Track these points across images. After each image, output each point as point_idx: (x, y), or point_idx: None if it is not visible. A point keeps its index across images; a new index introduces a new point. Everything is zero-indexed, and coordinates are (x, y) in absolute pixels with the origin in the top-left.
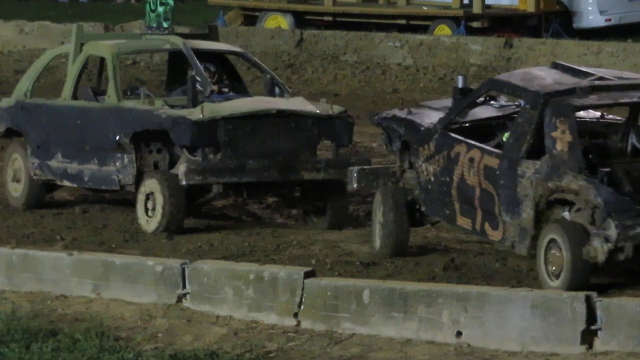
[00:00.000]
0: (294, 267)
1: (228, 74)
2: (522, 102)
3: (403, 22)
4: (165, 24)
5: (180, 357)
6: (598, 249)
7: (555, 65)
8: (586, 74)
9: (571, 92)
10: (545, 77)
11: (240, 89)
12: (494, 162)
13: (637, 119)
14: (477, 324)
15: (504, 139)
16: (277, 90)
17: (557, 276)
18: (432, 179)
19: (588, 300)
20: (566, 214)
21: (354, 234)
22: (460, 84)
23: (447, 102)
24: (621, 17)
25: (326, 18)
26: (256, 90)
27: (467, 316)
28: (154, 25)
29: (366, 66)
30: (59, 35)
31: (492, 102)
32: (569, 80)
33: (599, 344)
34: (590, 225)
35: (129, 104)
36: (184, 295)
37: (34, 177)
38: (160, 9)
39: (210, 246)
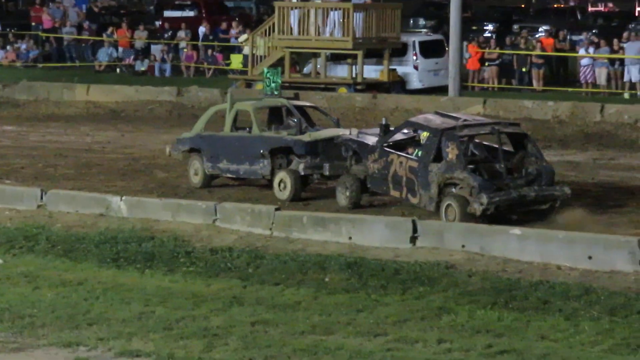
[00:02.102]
0: (270, 205)
1: (307, 117)
2: (428, 134)
3: (322, 85)
4: (276, 92)
5: (214, 249)
6: (477, 208)
7: (437, 112)
8: (456, 118)
9: (454, 128)
10: (435, 119)
11: (314, 125)
12: (415, 164)
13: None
14: (359, 233)
15: (418, 152)
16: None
17: (451, 221)
18: (376, 171)
19: (414, 222)
20: (454, 190)
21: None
22: (383, 122)
23: (375, 130)
24: (430, 83)
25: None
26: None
27: (354, 230)
28: (269, 92)
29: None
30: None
31: (401, 132)
32: (450, 121)
33: (418, 243)
34: (469, 196)
35: (267, 133)
36: (216, 219)
37: (207, 173)
38: (274, 84)
39: (230, 197)
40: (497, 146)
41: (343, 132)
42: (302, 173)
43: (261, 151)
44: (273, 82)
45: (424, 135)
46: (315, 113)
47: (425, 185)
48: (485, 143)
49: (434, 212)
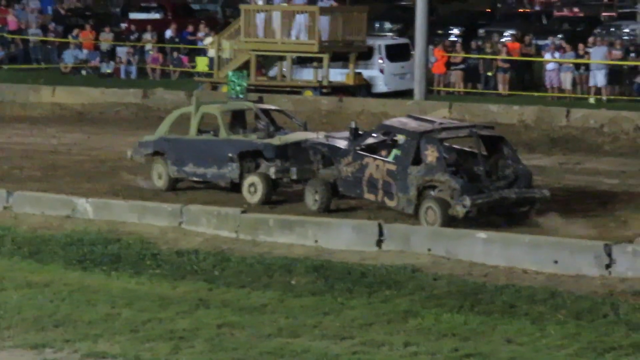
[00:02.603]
0: (236, 208)
1: (272, 120)
2: (405, 136)
3: (289, 88)
4: (241, 95)
5: (180, 252)
6: (460, 211)
7: (409, 116)
8: (431, 121)
9: (433, 131)
10: (411, 122)
11: (280, 128)
12: (393, 167)
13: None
14: (325, 236)
15: (393, 156)
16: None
17: (432, 225)
18: (349, 175)
19: (380, 225)
20: (432, 193)
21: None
22: (353, 125)
23: (344, 134)
24: (396, 86)
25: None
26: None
27: (320, 233)
28: (234, 96)
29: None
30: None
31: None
32: (426, 125)
33: (384, 246)
34: (450, 198)
35: (235, 137)
36: (182, 222)
37: (172, 176)
38: (239, 88)
39: (196, 199)
40: (470, 149)
41: (311, 135)
42: (273, 177)
43: (230, 155)
44: (238, 85)
45: (400, 138)
46: (281, 116)
47: (404, 188)
48: (457, 147)
49: (412, 215)
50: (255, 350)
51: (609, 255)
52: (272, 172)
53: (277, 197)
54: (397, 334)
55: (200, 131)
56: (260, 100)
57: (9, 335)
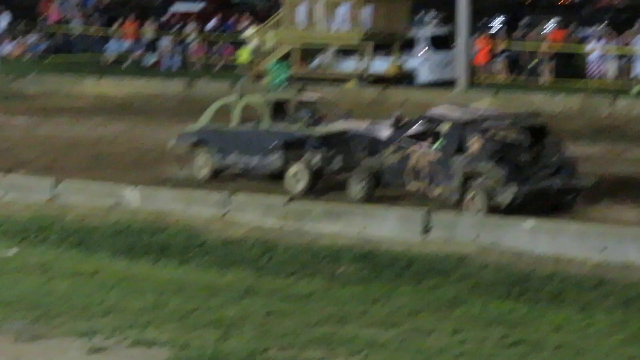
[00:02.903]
0: (283, 197)
1: (315, 110)
2: (449, 126)
3: (331, 79)
4: (284, 86)
5: (227, 240)
6: (505, 199)
7: (452, 105)
8: (475, 110)
9: (477, 119)
10: (455, 111)
11: (323, 118)
12: (437, 156)
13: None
14: (372, 225)
15: (437, 145)
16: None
17: (477, 212)
18: (393, 164)
19: (426, 214)
20: (477, 182)
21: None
22: (396, 115)
23: (387, 123)
24: (439, 76)
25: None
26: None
27: (367, 221)
28: (277, 86)
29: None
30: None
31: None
32: (470, 113)
33: (430, 235)
34: (495, 187)
35: (279, 126)
36: (228, 210)
37: (215, 166)
38: (281, 78)
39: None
40: (514, 138)
41: (354, 125)
42: (317, 166)
43: (274, 144)
44: (280, 75)
45: (444, 127)
46: (323, 106)
47: (448, 177)
48: (501, 135)
49: (456, 204)
50: (303, 337)
51: None
52: (315, 161)
53: (320, 186)
54: (444, 322)
55: (243, 121)
56: (303, 90)
57: (58, 323)
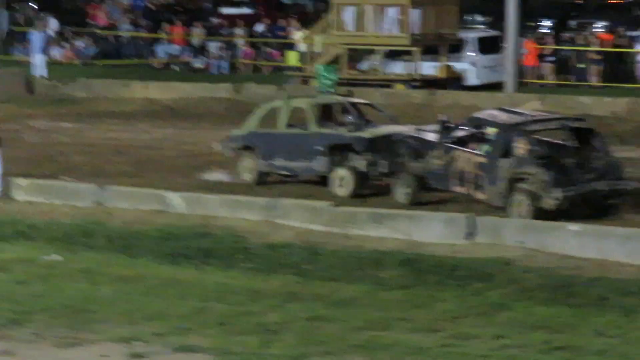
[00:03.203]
0: (328, 201)
1: (361, 114)
2: (496, 129)
3: (380, 82)
4: (331, 89)
5: (272, 245)
6: (551, 203)
7: (500, 108)
8: (522, 113)
9: (524, 123)
10: (501, 115)
11: (369, 122)
12: (483, 159)
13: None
14: (416, 229)
15: (483, 148)
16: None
17: (523, 217)
18: (440, 167)
19: (471, 218)
20: (523, 186)
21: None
22: (443, 118)
23: (434, 127)
24: (487, 79)
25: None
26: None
27: (412, 226)
28: (324, 89)
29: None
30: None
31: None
32: (516, 117)
33: (475, 239)
34: (540, 191)
35: (325, 130)
36: (274, 215)
37: (261, 170)
38: (328, 82)
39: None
40: (561, 142)
41: (400, 128)
42: (364, 170)
43: (319, 148)
44: (328, 79)
45: (491, 130)
46: (371, 110)
47: (494, 180)
48: (548, 139)
49: (502, 208)
50: (346, 343)
51: None
52: (362, 165)
53: (366, 190)
54: (487, 327)
55: (290, 125)
56: (350, 94)
57: (102, 329)
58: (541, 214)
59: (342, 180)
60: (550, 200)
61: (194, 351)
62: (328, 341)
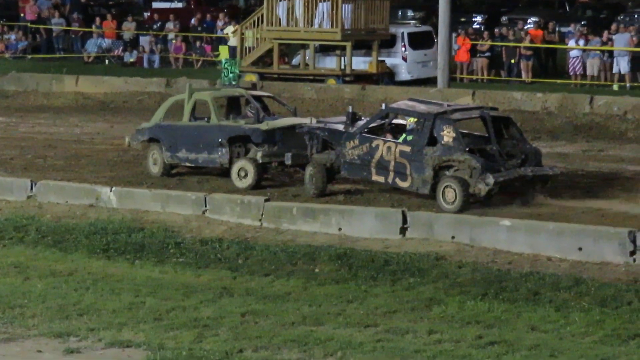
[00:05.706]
0: (259, 196)
1: (264, 106)
2: (417, 119)
3: (311, 77)
4: (234, 82)
5: (204, 240)
6: (482, 189)
7: (413, 99)
8: (439, 103)
9: (446, 112)
10: (418, 105)
11: (272, 114)
12: (407, 148)
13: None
14: (349, 224)
15: (404, 137)
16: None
17: (451, 204)
18: (356, 157)
19: (403, 213)
20: (449, 173)
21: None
22: (350, 110)
23: (339, 119)
24: (419, 74)
25: (274, 75)
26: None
27: (344, 220)
28: (227, 83)
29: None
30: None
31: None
32: (435, 106)
33: (408, 234)
34: (469, 177)
35: (225, 122)
36: (206, 210)
37: (166, 162)
38: (231, 75)
39: (218, 188)
40: (478, 133)
41: (301, 120)
42: (260, 161)
43: (219, 140)
44: (231, 72)
45: (411, 120)
46: (272, 102)
47: (419, 168)
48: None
49: (426, 196)
50: (279, 338)
51: (634, 242)
52: (259, 156)
53: (269, 182)
54: (420, 322)
55: (195, 118)
56: (254, 87)
57: (34, 324)
58: (469, 201)
59: (242, 171)
60: (482, 186)
61: (128, 346)
62: (262, 336)
